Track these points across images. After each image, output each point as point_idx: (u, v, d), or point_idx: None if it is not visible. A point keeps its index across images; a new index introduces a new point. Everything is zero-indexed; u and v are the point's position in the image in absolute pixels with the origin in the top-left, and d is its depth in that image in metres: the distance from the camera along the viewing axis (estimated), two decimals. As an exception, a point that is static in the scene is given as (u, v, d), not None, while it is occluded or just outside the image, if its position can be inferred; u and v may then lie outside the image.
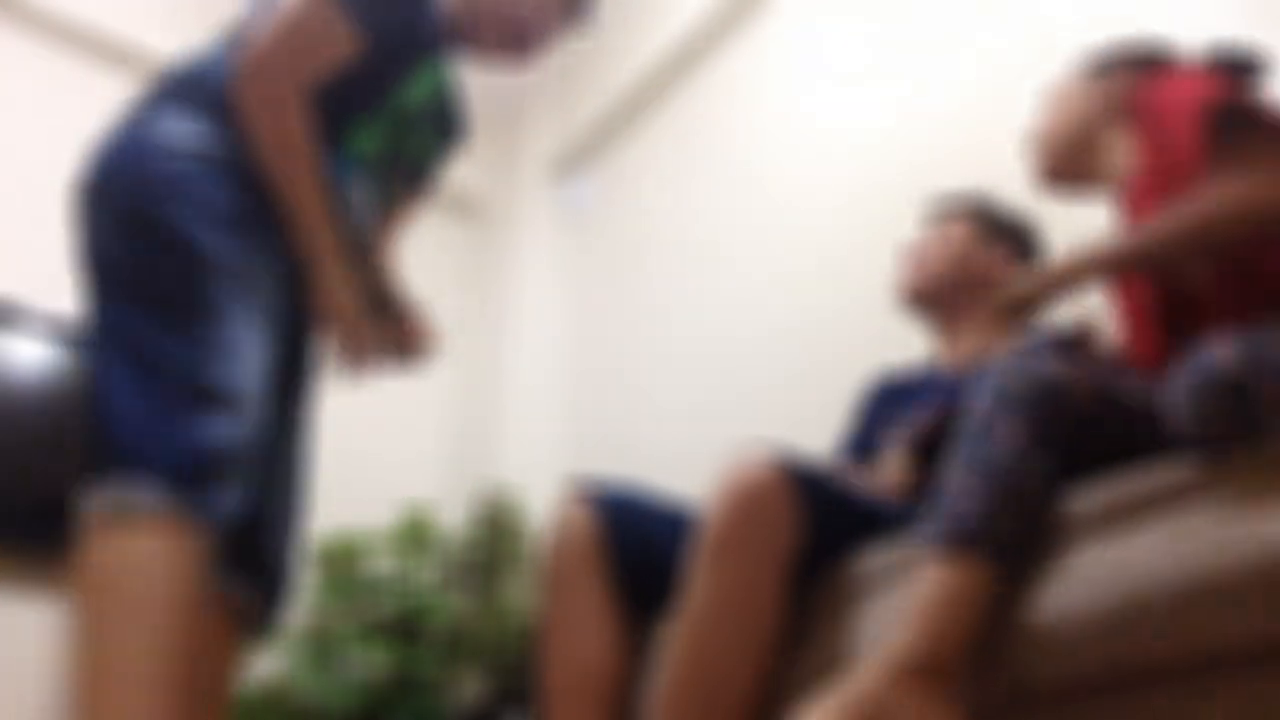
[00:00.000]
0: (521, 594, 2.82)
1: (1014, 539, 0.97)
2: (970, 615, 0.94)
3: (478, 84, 4.02)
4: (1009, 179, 2.09)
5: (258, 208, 1.32)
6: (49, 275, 2.96)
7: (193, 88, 1.37)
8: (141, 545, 1.08)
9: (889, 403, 1.76)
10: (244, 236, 1.28)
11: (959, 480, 1.01)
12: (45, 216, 3.02)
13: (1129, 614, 0.86)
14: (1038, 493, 0.98)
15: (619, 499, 1.47)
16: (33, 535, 2.60)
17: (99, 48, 3.28)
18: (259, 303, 1.28)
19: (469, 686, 2.74)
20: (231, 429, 1.18)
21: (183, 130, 1.31)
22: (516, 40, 1.57)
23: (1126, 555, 0.89)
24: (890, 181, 2.39)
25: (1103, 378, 1.05)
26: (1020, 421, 0.99)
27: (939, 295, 1.78)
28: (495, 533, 2.91)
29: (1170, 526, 0.88)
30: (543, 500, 3.23)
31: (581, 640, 1.34)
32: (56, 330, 2.81)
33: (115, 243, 1.27)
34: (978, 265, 1.75)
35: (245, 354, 1.24)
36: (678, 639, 1.19)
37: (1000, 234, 1.81)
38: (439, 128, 1.62)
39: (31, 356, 2.74)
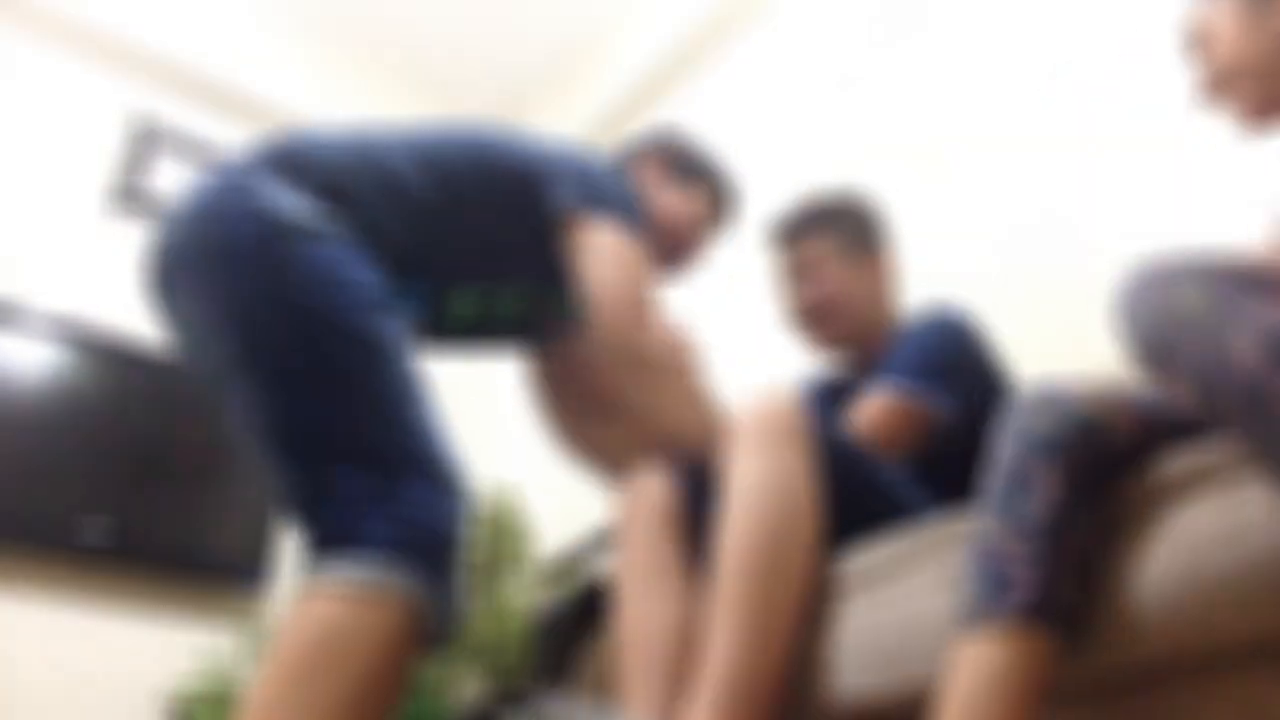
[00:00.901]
0: (522, 594, 2.82)
1: (1075, 607, 0.86)
2: (1035, 701, 0.82)
3: (480, 81, 4.03)
4: (1011, 178, 2.09)
5: (388, 284, 1.27)
6: (49, 275, 2.96)
7: (303, 167, 1.27)
8: (378, 620, 1.00)
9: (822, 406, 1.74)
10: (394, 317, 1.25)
11: (1000, 544, 0.88)
12: (45, 216, 3.02)
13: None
14: (1087, 550, 0.88)
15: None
16: (33, 535, 2.60)
17: (100, 48, 3.28)
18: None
19: (469, 686, 2.74)
20: (457, 506, 1.18)
21: (302, 206, 1.22)
22: (674, 253, 1.67)
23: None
24: (893, 177, 2.39)
25: (1143, 400, 0.94)
26: (1059, 471, 0.88)
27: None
28: (495, 533, 2.92)
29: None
30: (543, 500, 3.23)
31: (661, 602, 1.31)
32: (56, 330, 2.81)
33: (279, 329, 1.20)
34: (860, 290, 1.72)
35: (439, 427, 1.25)
36: (731, 517, 1.18)
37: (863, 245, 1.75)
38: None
39: (31, 356, 2.74)
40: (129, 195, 3.17)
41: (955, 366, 1.53)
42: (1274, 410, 0.71)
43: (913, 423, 1.46)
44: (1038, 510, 0.87)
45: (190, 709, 2.53)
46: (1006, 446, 0.93)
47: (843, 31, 2.73)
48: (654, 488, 1.40)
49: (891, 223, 1.83)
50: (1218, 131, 1.50)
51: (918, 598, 1.06)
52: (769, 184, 2.81)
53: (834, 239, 1.71)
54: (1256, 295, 0.76)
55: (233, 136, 3.50)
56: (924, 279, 1.95)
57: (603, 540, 2.53)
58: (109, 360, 2.86)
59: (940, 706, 0.85)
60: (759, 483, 1.17)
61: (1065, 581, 0.85)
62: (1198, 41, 1.25)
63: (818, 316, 1.70)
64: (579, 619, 2.03)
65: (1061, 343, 1.79)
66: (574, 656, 1.70)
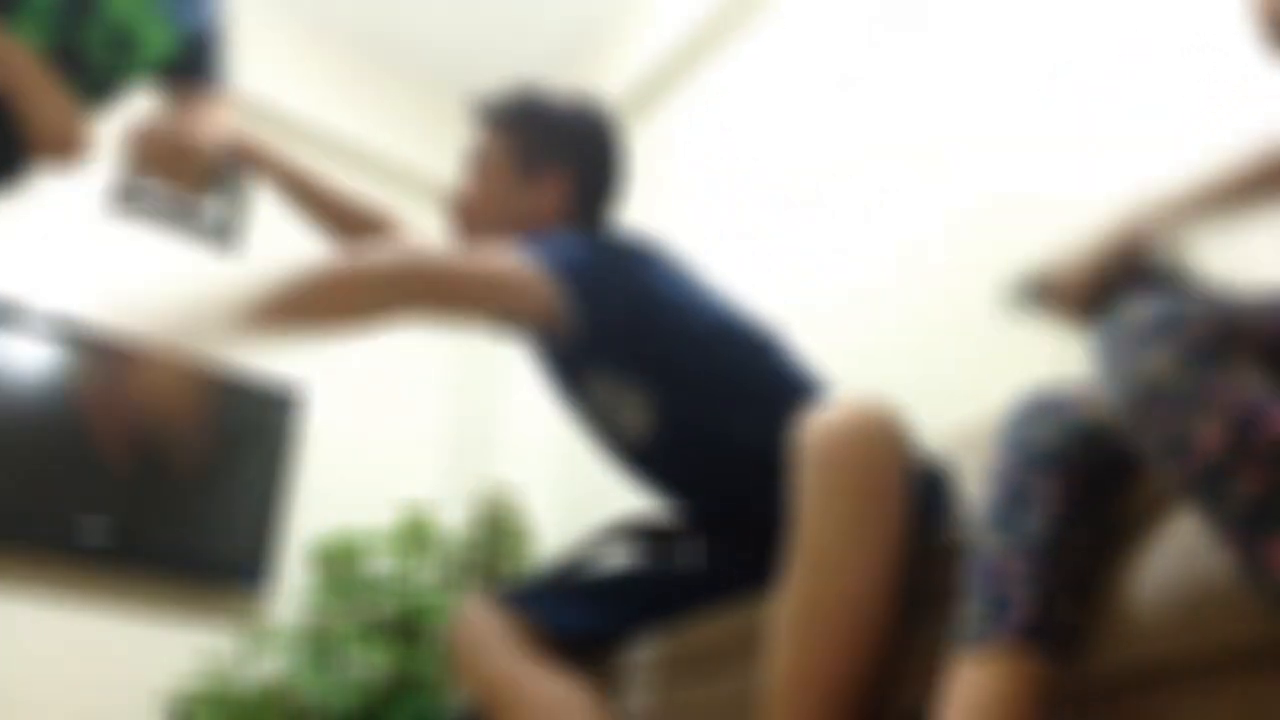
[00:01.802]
0: (521, 594, 2.82)
1: (1074, 627, 0.83)
2: None
3: (481, 83, 4.03)
4: (1012, 177, 2.09)
5: None
6: (49, 275, 2.96)
7: None
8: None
9: None
10: None
11: (1000, 562, 0.85)
12: (45, 216, 3.02)
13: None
14: (1087, 565, 0.85)
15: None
16: (33, 535, 2.60)
17: (99, 47, 3.28)
18: None
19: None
20: None
21: None
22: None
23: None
24: (892, 178, 2.39)
25: None
26: (1059, 484, 0.85)
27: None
28: (495, 533, 2.91)
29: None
30: (543, 500, 3.23)
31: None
32: (56, 330, 2.81)
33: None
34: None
35: None
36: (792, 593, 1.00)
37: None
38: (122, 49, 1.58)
39: (31, 356, 2.74)
40: (129, 195, 3.17)
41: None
42: (1230, 493, 0.70)
43: None
44: (1037, 526, 0.85)
45: (190, 709, 2.53)
46: (1005, 457, 0.90)
47: (844, 29, 2.72)
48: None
49: (628, 162, 1.65)
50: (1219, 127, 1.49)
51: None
52: (769, 184, 2.81)
53: (510, 141, 1.51)
54: (1226, 367, 0.74)
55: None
56: (923, 277, 1.95)
57: (603, 540, 2.52)
58: (109, 360, 2.86)
59: None
60: (826, 550, 1.01)
61: (1064, 600, 0.83)
62: None
63: (458, 213, 1.53)
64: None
65: (1058, 336, 1.79)
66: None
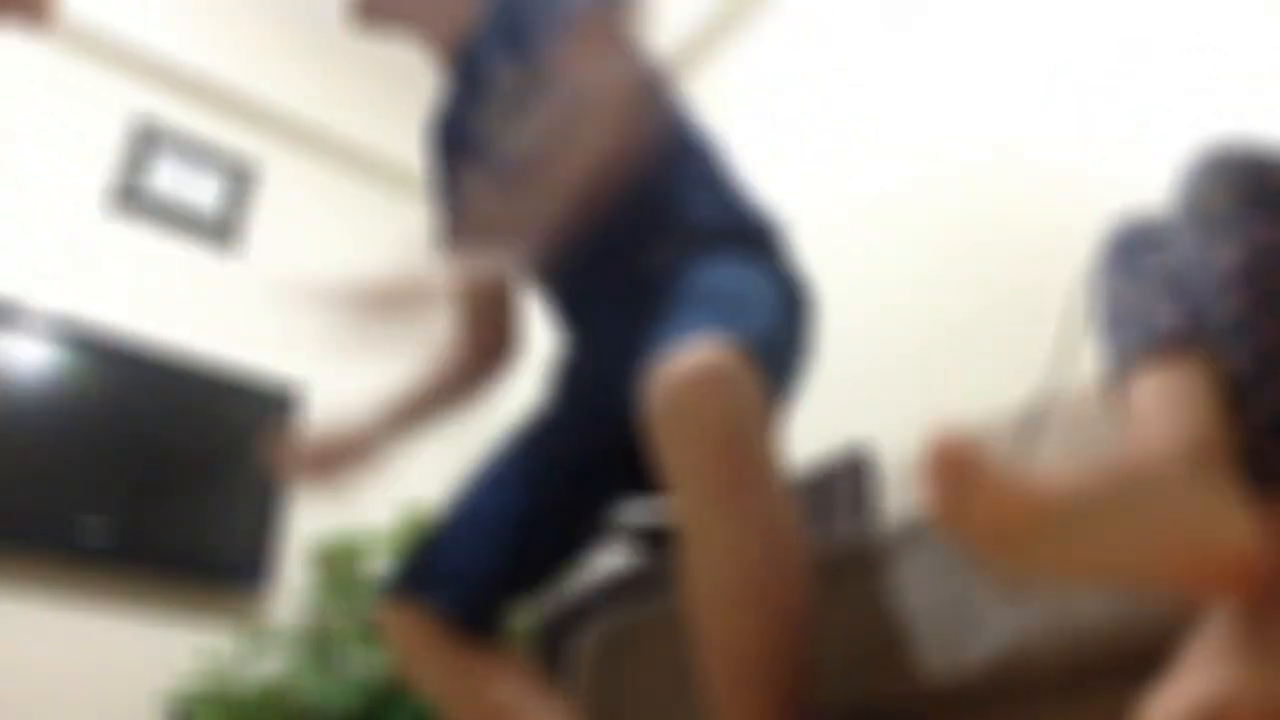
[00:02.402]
0: (521, 594, 2.82)
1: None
2: (1216, 406, 0.80)
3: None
4: (1011, 176, 2.09)
5: None
6: (49, 275, 2.96)
7: None
8: None
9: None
10: None
11: (1132, 298, 0.89)
12: (45, 216, 3.02)
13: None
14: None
15: None
16: (33, 535, 2.60)
17: (100, 48, 3.28)
18: None
19: (469, 686, 2.74)
20: None
21: None
22: None
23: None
24: (891, 182, 2.39)
25: None
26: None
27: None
28: (495, 533, 2.91)
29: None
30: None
31: None
32: (56, 330, 2.81)
33: None
34: None
35: None
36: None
37: None
38: None
39: (31, 356, 2.74)
40: (129, 195, 3.17)
41: None
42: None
43: None
44: (1167, 257, 0.89)
45: (190, 709, 2.53)
46: (1110, 252, 0.94)
47: (845, 26, 2.72)
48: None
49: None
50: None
51: (915, 590, 1.05)
52: (768, 184, 2.81)
53: None
54: None
55: (233, 137, 3.51)
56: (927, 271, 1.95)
57: (601, 540, 2.52)
58: (109, 360, 2.87)
59: (1136, 436, 0.82)
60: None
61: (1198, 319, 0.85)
62: None
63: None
64: (574, 619, 2.03)
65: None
66: (569, 656, 1.70)
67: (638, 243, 1.24)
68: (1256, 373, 0.78)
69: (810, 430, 2.34)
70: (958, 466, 0.64)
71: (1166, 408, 0.80)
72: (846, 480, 2.02)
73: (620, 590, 2.15)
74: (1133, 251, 0.95)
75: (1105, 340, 0.91)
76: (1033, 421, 1.42)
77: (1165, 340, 0.84)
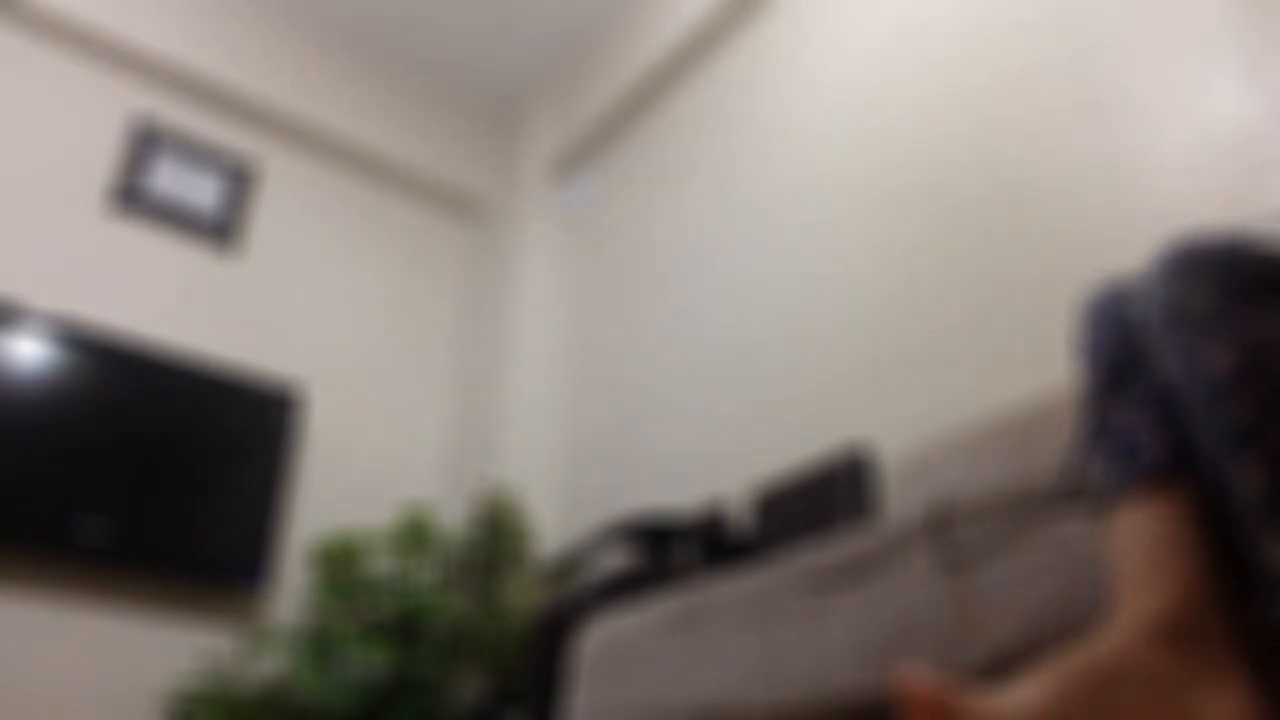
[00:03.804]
0: (522, 594, 2.82)
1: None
2: (1202, 556, 0.77)
3: (478, 85, 4.03)
4: (1010, 176, 2.09)
5: None
6: (49, 275, 2.96)
7: None
8: None
9: None
10: None
11: (1120, 418, 0.86)
12: (45, 216, 3.02)
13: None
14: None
15: None
16: (32, 535, 2.60)
17: (100, 48, 3.28)
18: None
19: (469, 686, 2.74)
20: None
21: None
22: None
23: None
24: (890, 182, 2.39)
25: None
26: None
27: None
28: (495, 533, 2.91)
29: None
30: (543, 500, 3.23)
31: None
32: (56, 330, 2.81)
33: None
34: None
35: None
36: None
37: None
38: None
39: (31, 356, 2.74)
40: (129, 195, 3.17)
41: None
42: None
43: None
44: (1158, 378, 0.85)
45: (190, 709, 2.53)
46: (1099, 332, 0.92)
47: (845, 24, 2.72)
48: None
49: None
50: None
51: (913, 590, 1.05)
52: (768, 183, 2.81)
53: None
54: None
55: (233, 137, 3.51)
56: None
57: (601, 540, 2.52)
58: (109, 360, 2.87)
59: (1112, 580, 0.80)
60: None
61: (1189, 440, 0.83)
62: None
63: None
64: (574, 619, 2.03)
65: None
66: (566, 656, 1.70)
67: None
68: (1271, 487, 0.73)
69: (810, 430, 2.34)
70: (932, 709, 0.65)
71: (1147, 554, 0.77)
72: (846, 480, 2.02)
73: (620, 590, 2.15)
74: (1115, 328, 0.91)
75: (1092, 459, 0.88)
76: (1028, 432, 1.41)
77: (1150, 473, 0.81)
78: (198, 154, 3.36)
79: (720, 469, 2.57)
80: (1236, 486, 0.75)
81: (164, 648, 2.77)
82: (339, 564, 2.83)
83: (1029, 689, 0.70)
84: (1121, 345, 0.89)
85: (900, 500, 1.79)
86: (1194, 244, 0.84)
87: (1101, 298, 0.95)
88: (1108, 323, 0.92)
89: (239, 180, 3.43)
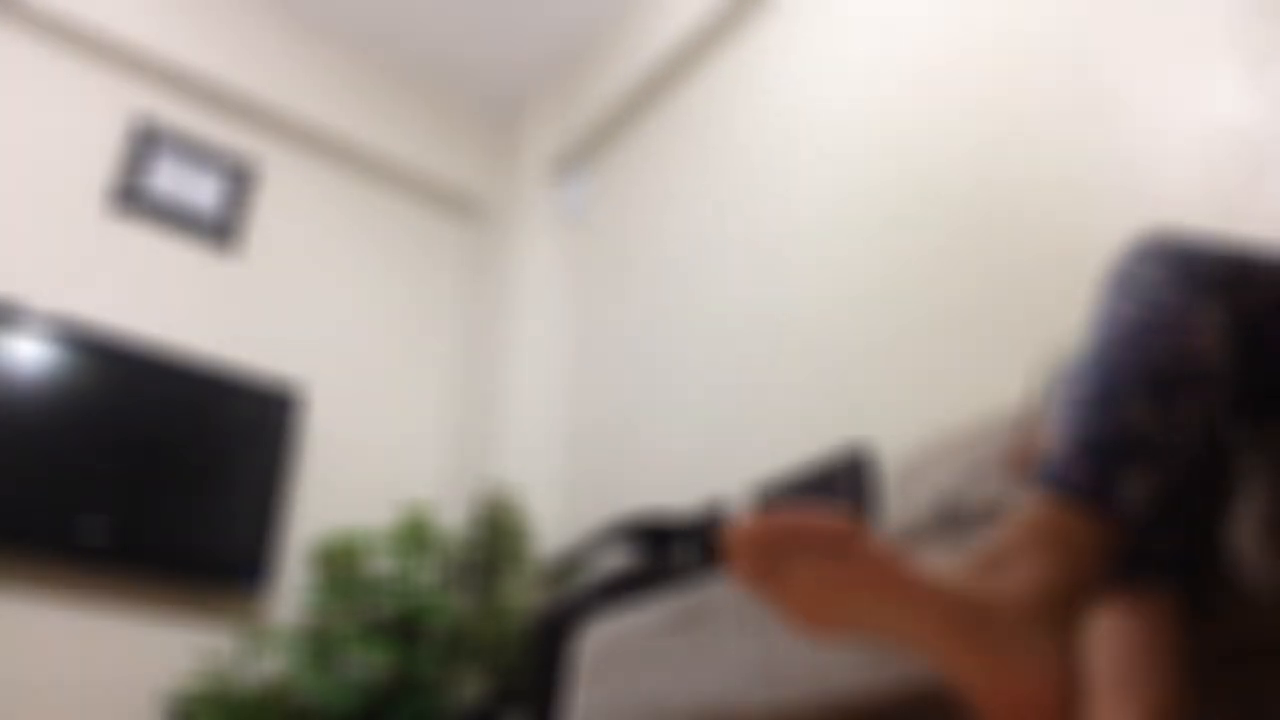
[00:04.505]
0: (521, 594, 2.82)
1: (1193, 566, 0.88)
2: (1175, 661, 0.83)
3: (478, 84, 4.03)
4: (1010, 176, 2.09)
5: None
6: (49, 275, 2.96)
7: None
8: None
9: None
10: None
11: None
12: (45, 216, 3.02)
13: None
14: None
15: None
16: (32, 535, 2.60)
17: (100, 48, 3.28)
18: None
19: (469, 686, 2.74)
20: None
21: None
22: None
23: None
24: (889, 181, 2.39)
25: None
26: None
27: None
28: (495, 533, 2.91)
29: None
30: (543, 500, 3.23)
31: None
32: (56, 330, 2.81)
33: None
34: None
35: None
36: None
37: None
38: None
39: (31, 356, 2.74)
40: (129, 195, 3.17)
41: None
42: None
43: None
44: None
45: (190, 709, 2.53)
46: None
47: (847, 20, 2.72)
48: None
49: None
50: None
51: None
52: (767, 183, 2.81)
53: None
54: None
55: (233, 137, 3.51)
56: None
57: (601, 540, 2.52)
58: (109, 360, 2.87)
59: (1089, 683, 0.83)
60: None
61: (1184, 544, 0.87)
62: None
63: None
64: (574, 618, 2.03)
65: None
66: (566, 656, 1.70)
67: None
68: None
69: (810, 430, 2.34)
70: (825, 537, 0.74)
71: (1042, 548, 0.79)
72: (846, 480, 2.02)
73: (620, 590, 2.15)
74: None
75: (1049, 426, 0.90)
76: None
77: (1069, 493, 0.80)
78: (198, 154, 3.36)
79: (720, 469, 2.57)
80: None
81: (164, 648, 2.77)
82: (339, 564, 2.83)
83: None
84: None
85: (900, 500, 1.79)
86: (1160, 236, 0.90)
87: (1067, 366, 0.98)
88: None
89: (239, 180, 3.43)
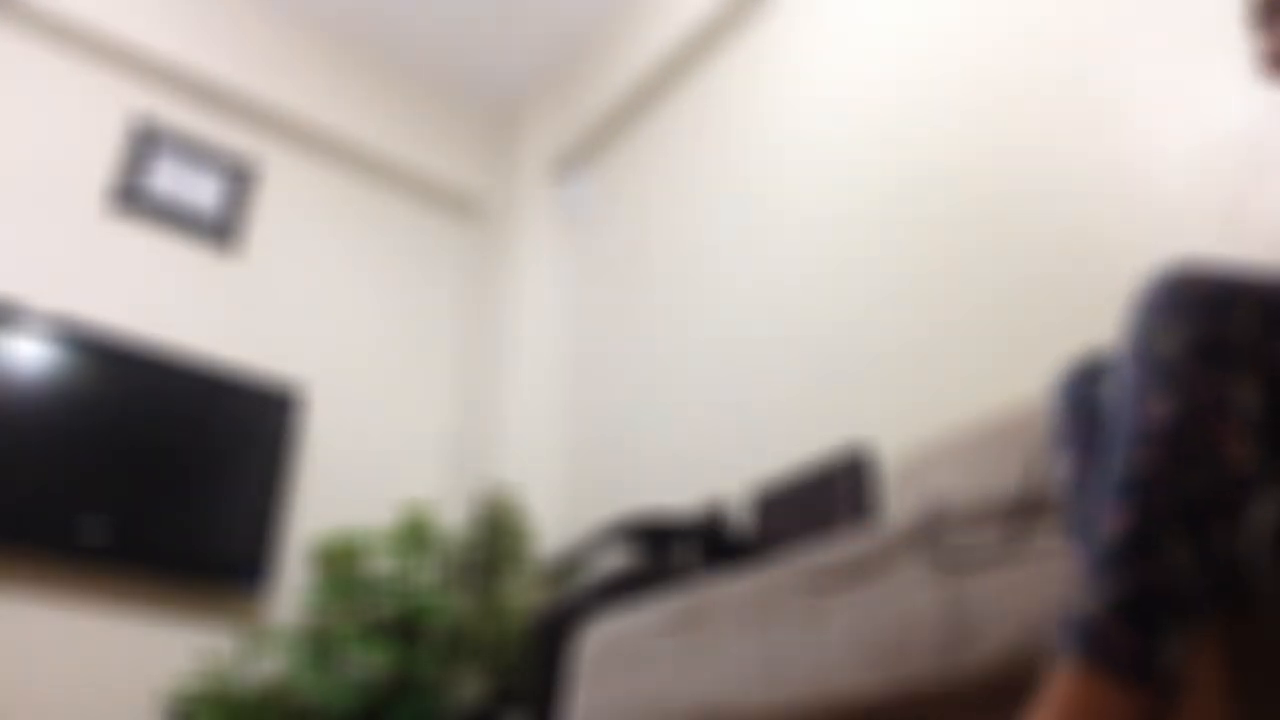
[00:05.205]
0: (521, 594, 2.82)
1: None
2: None
3: (478, 84, 4.03)
4: (1011, 176, 2.09)
5: None
6: (49, 275, 2.96)
7: None
8: None
9: None
10: None
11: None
12: (45, 216, 3.02)
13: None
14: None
15: None
16: (32, 535, 2.60)
17: (100, 48, 3.28)
18: None
19: (469, 686, 2.74)
20: None
21: None
22: None
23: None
24: (889, 182, 2.39)
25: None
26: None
27: None
28: (495, 533, 2.91)
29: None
30: (543, 500, 3.23)
31: None
32: (56, 330, 2.81)
33: None
34: None
35: None
36: None
37: None
38: None
39: (31, 356, 2.74)
40: (129, 195, 3.17)
41: None
42: None
43: None
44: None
45: (190, 709, 2.53)
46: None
47: (844, 22, 2.72)
48: None
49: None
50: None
51: (912, 592, 1.05)
52: (767, 183, 2.80)
53: None
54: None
55: (233, 137, 3.51)
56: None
57: (601, 540, 2.52)
58: (109, 360, 2.87)
59: None
60: None
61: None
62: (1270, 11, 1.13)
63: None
64: (574, 619, 2.03)
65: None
66: (566, 656, 1.70)
67: None
68: (1131, 538, 0.77)
69: (810, 430, 2.34)
70: None
71: None
72: (846, 480, 2.02)
73: (620, 590, 2.15)
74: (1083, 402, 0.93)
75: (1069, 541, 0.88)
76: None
77: (1110, 666, 0.76)
78: (198, 154, 3.36)
79: (720, 469, 2.57)
80: (1100, 523, 0.78)
81: (164, 648, 2.77)
82: (339, 564, 2.83)
83: None
84: (1090, 436, 0.90)
85: (900, 500, 1.79)
86: (1179, 279, 0.84)
87: (1071, 378, 0.96)
88: (1075, 411, 0.93)
89: (239, 180, 3.43)
